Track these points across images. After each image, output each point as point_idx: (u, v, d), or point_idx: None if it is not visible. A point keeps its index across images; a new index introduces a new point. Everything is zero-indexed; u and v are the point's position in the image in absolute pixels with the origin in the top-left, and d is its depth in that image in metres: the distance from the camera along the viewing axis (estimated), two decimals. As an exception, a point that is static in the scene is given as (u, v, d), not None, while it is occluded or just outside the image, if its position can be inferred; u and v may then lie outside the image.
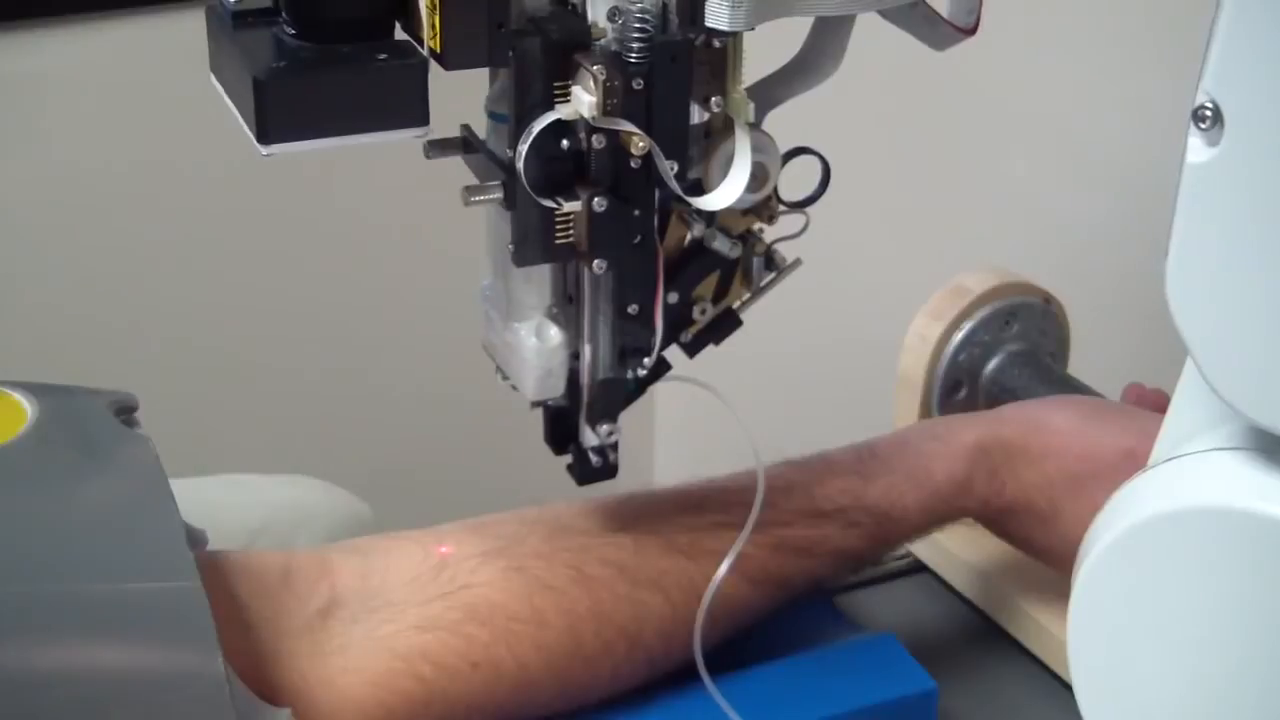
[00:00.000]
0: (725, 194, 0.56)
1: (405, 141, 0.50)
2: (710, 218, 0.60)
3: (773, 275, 0.62)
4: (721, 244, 0.60)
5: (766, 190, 0.59)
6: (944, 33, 0.58)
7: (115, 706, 0.51)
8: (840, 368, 1.39)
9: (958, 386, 0.81)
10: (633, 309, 0.58)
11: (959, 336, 0.80)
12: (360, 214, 1.50)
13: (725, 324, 0.63)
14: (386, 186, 1.36)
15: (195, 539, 0.56)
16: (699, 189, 0.57)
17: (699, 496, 0.66)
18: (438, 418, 1.57)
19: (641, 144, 0.53)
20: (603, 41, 0.53)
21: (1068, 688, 0.53)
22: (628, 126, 0.53)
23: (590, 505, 0.66)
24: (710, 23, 0.51)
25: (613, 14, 0.53)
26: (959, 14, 0.58)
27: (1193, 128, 0.46)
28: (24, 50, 1.39)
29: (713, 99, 0.55)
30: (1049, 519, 0.69)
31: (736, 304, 0.62)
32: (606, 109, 0.53)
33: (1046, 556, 0.71)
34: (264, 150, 0.50)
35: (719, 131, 0.57)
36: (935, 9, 0.57)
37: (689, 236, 0.60)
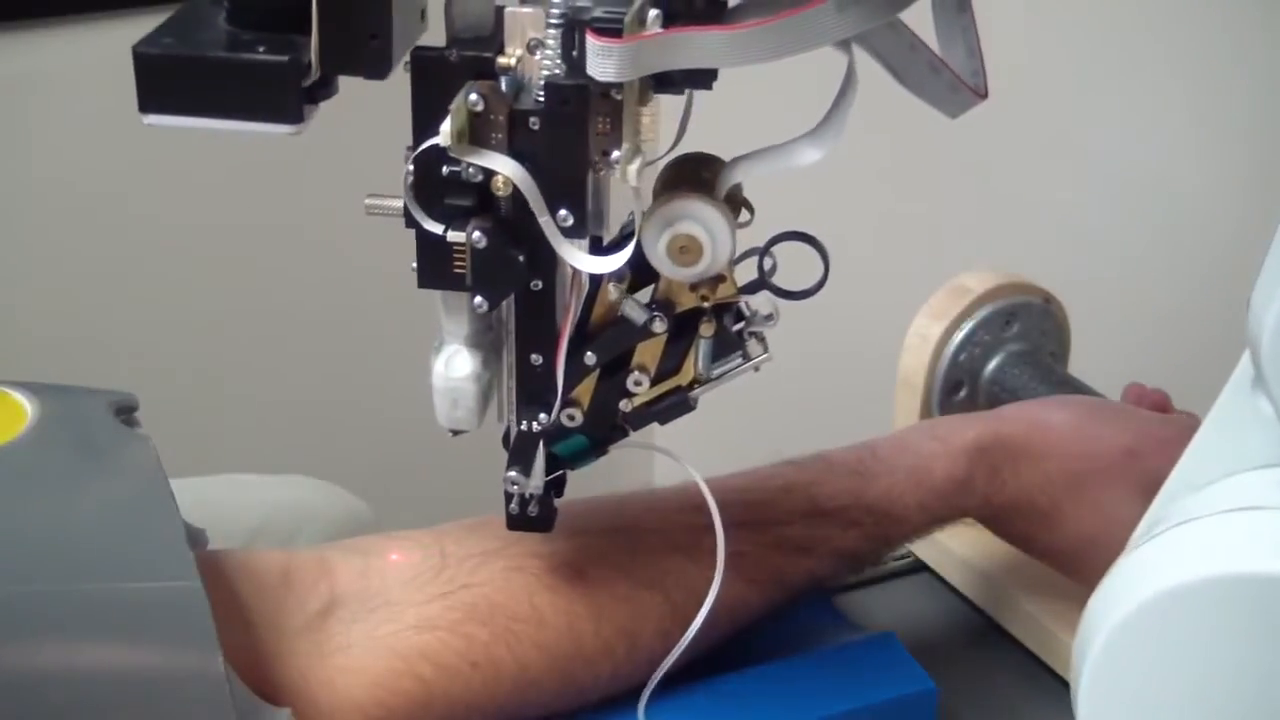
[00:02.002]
0: (607, 259, 0.52)
1: (279, 135, 0.50)
2: (634, 283, 0.56)
3: (734, 364, 0.58)
4: (633, 311, 0.56)
5: (703, 267, 0.54)
6: (961, 99, 0.55)
7: (115, 706, 0.51)
8: (840, 368, 1.39)
9: (958, 386, 0.81)
10: (535, 359, 0.56)
11: (959, 336, 0.80)
12: (361, 214, 1.50)
13: (672, 404, 0.58)
14: (388, 187, 1.36)
15: (195, 539, 0.56)
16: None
17: (699, 496, 0.66)
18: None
19: (502, 183, 0.51)
20: (511, 75, 0.50)
21: (1067, 687, 0.53)
22: (488, 161, 0.50)
23: (590, 505, 0.66)
24: (589, 71, 0.48)
25: (533, 46, 0.50)
26: (963, 76, 0.56)
27: None
28: (24, 50, 1.39)
29: (613, 153, 0.51)
30: (1049, 518, 0.69)
31: (694, 386, 0.58)
32: (485, 139, 0.50)
33: (1047, 556, 0.71)
34: (144, 119, 0.50)
35: (659, 193, 0.54)
36: (956, 74, 0.55)
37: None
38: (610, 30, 0.48)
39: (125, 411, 0.61)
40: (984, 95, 0.56)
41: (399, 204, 0.53)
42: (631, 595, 0.62)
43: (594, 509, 0.66)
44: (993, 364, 0.81)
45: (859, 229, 1.43)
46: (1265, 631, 0.47)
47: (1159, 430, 0.71)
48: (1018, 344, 0.81)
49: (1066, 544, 0.69)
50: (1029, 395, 0.78)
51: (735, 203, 0.57)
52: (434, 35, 0.52)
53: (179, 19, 0.51)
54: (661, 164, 0.57)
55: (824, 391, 1.44)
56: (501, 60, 0.50)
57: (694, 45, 0.48)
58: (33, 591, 0.52)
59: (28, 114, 1.40)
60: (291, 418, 1.61)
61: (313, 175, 1.42)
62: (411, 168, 0.52)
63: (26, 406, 0.59)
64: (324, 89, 0.51)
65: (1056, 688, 0.70)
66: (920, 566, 0.80)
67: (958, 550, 0.77)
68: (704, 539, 0.63)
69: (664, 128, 0.57)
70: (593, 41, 0.48)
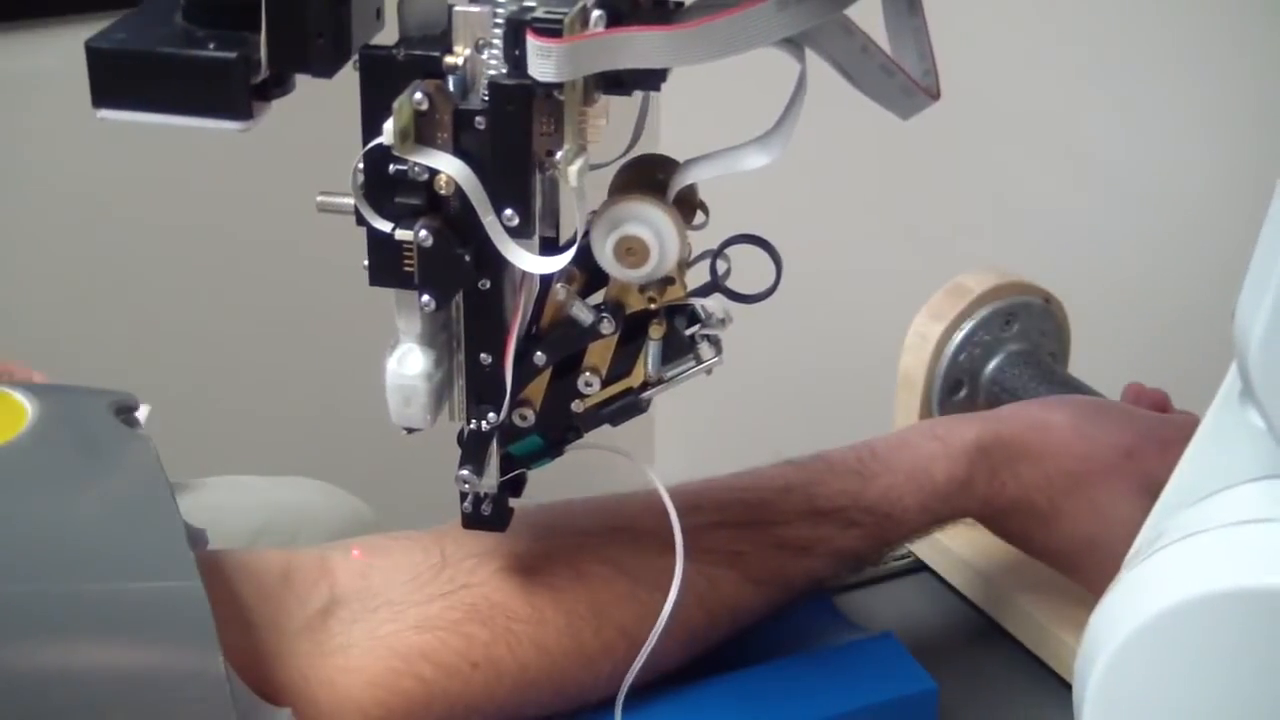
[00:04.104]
0: (550, 260, 0.52)
1: (229, 132, 0.50)
2: (589, 284, 0.56)
3: (685, 367, 0.57)
4: (580, 312, 0.56)
5: (650, 269, 0.54)
6: (914, 101, 0.55)
7: (115, 706, 0.51)
8: (840, 367, 1.39)
9: (958, 386, 0.81)
10: (485, 358, 0.55)
11: (959, 336, 0.80)
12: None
13: (623, 406, 0.58)
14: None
15: (195, 539, 0.56)
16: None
17: (696, 496, 0.66)
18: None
19: (445, 182, 0.51)
20: (459, 74, 0.50)
21: (1067, 687, 0.53)
22: (432, 160, 0.50)
23: (589, 504, 0.66)
24: (530, 71, 0.49)
25: (481, 46, 0.50)
26: (916, 78, 0.55)
27: None
28: (24, 50, 1.39)
29: (557, 154, 0.51)
30: (1049, 518, 0.69)
31: (646, 388, 0.57)
32: (430, 138, 0.50)
33: (1046, 556, 0.71)
34: (97, 114, 0.50)
35: (612, 194, 0.54)
36: (908, 75, 0.54)
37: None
38: (550, 30, 0.48)
39: (125, 411, 0.62)
40: (937, 96, 0.55)
41: (350, 202, 0.53)
42: (631, 595, 0.62)
43: (593, 509, 0.66)
44: (993, 364, 0.81)
45: (859, 229, 1.43)
46: (1271, 646, 0.46)
47: (1159, 430, 0.71)
48: (1018, 344, 0.81)
49: (1066, 544, 0.69)
50: (1029, 395, 0.78)
51: (690, 205, 0.57)
52: (392, 35, 0.52)
53: (136, 15, 0.52)
54: (619, 165, 0.57)
55: (824, 391, 1.44)
56: (449, 59, 0.50)
57: (634, 45, 0.48)
58: (33, 591, 0.52)
59: (28, 114, 1.40)
60: (293, 419, 1.61)
61: (318, 176, 1.42)
62: (361, 166, 0.52)
63: (26, 406, 0.59)
64: (278, 87, 0.51)
65: (1056, 687, 0.70)
66: (920, 566, 0.80)
67: (958, 550, 0.77)
68: (702, 538, 0.64)
69: (623, 129, 0.57)
70: (532, 41, 0.48)
